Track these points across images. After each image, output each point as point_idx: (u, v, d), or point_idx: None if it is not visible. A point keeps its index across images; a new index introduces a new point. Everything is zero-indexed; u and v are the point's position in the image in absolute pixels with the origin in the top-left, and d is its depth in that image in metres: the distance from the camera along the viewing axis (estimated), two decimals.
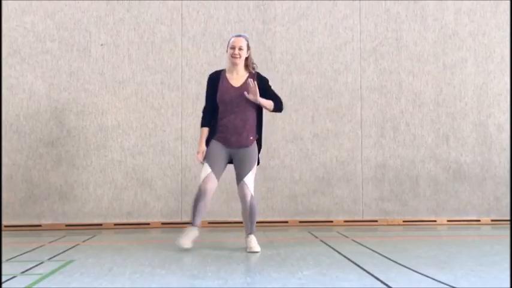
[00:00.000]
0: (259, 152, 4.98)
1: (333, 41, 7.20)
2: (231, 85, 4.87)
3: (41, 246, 5.28)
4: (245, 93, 4.78)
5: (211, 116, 4.94)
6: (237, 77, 4.91)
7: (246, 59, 4.93)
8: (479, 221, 7.13)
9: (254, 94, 4.77)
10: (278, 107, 4.96)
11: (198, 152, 4.92)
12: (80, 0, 7.02)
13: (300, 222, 7.00)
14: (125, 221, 6.91)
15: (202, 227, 6.89)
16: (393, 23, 7.25)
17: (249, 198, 4.83)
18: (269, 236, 5.92)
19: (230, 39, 4.94)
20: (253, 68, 4.94)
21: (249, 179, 4.84)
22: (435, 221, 7.12)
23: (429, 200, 7.14)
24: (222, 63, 7.09)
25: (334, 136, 7.12)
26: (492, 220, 7.12)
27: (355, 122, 7.15)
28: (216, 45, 7.06)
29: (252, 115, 4.88)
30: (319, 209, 7.06)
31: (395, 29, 7.25)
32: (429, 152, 7.17)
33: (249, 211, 4.86)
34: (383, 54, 7.21)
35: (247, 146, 4.86)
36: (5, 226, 6.68)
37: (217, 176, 4.87)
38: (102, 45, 7.03)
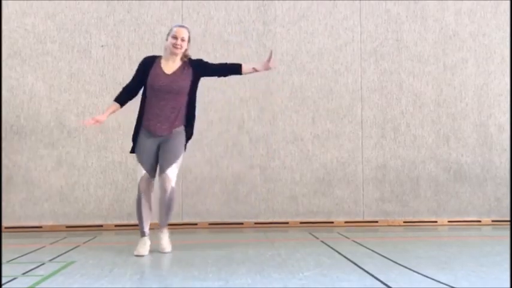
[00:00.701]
0: (189, 139, 4.96)
1: (333, 42, 7.20)
2: (163, 72, 4.81)
3: (41, 247, 5.28)
4: (268, 65, 4.82)
5: (128, 96, 4.91)
6: (172, 65, 4.84)
7: (185, 51, 4.88)
8: (480, 221, 7.13)
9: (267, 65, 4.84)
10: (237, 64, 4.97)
11: (94, 118, 4.80)
12: (81, 1, 7.03)
13: (301, 223, 7.00)
14: (125, 222, 6.90)
15: (203, 228, 6.91)
16: (393, 24, 7.25)
17: (169, 190, 4.77)
18: (270, 237, 5.92)
19: (173, 28, 4.87)
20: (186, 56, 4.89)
21: (172, 172, 4.77)
22: (436, 221, 7.11)
23: (430, 200, 7.14)
24: None
25: (335, 137, 7.12)
26: (493, 221, 7.12)
27: (356, 123, 7.15)
28: (217, 46, 7.06)
29: (182, 103, 4.83)
30: (319, 210, 7.05)
31: (396, 30, 7.25)
32: (430, 153, 7.17)
33: (167, 203, 4.81)
34: (383, 55, 7.22)
35: (175, 132, 4.80)
36: (6, 227, 6.69)
37: (153, 175, 4.83)
38: (102, 46, 7.04)
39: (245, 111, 7.08)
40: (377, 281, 3.49)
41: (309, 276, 3.71)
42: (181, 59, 4.89)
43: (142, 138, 4.82)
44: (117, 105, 4.92)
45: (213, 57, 7.02)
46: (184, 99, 4.84)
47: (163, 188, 4.78)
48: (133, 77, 4.94)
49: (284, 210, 7.01)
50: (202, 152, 6.98)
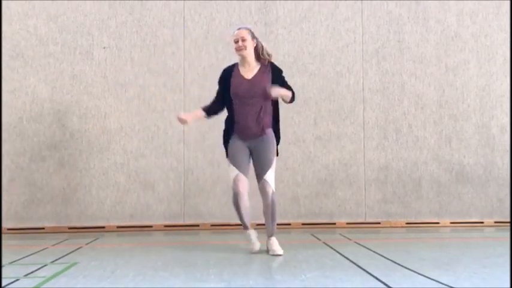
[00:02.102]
0: (278, 144, 4.92)
1: (335, 43, 7.20)
2: (244, 78, 4.82)
3: (44, 249, 5.29)
4: (268, 92, 4.73)
5: (215, 109, 4.97)
6: (249, 69, 4.85)
7: (256, 49, 4.86)
8: (482, 223, 7.12)
9: (273, 92, 4.72)
10: (293, 98, 4.97)
11: (180, 116, 4.91)
12: (83, 1, 7.04)
13: (303, 224, 7.00)
14: (127, 223, 6.91)
15: (205, 229, 6.92)
16: (395, 25, 7.25)
17: (270, 194, 4.80)
18: None
19: (234, 33, 4.90)
20: (268, 56, 4.85)
21: (270, 177, 4.81)
22: (438, 223, 7.11)
23: (432, 202, 7.13)
24: (224, 66, 7.13)
25: (337, 138, 7.12)
26: (495, 222, 7.11)
27: (358, 124, 7.15)
28: (218, 47, 7.07)
29: (266, 106, 4.82)
30: (321, 211, 7.05)
31: (398, 31, 7.25)
32: (432, 154, 7.17)
33: (271, 208, 4.82)
34: (385, 56, 7.21)
35: (262, 135, 4.80)
36: (8, 229, 6.70)
37: (246, 174, 4.84)
38: (104, 48, 7.05)
39: None
40: (379, 283, 3.49)
41: (311, 278, 3.71)
42: (260, 60, 4.86)
43: (234, 140, 4.86)
44: (202, 113, 4.98)
45: (214, 59, 7.05)
46: (268, 103, 4.83)
47: (264, 192, 4.81)
48: (217, 92, 4.96)
49: (286, 212, 7.01)
50: (204, 153, 6.99)
